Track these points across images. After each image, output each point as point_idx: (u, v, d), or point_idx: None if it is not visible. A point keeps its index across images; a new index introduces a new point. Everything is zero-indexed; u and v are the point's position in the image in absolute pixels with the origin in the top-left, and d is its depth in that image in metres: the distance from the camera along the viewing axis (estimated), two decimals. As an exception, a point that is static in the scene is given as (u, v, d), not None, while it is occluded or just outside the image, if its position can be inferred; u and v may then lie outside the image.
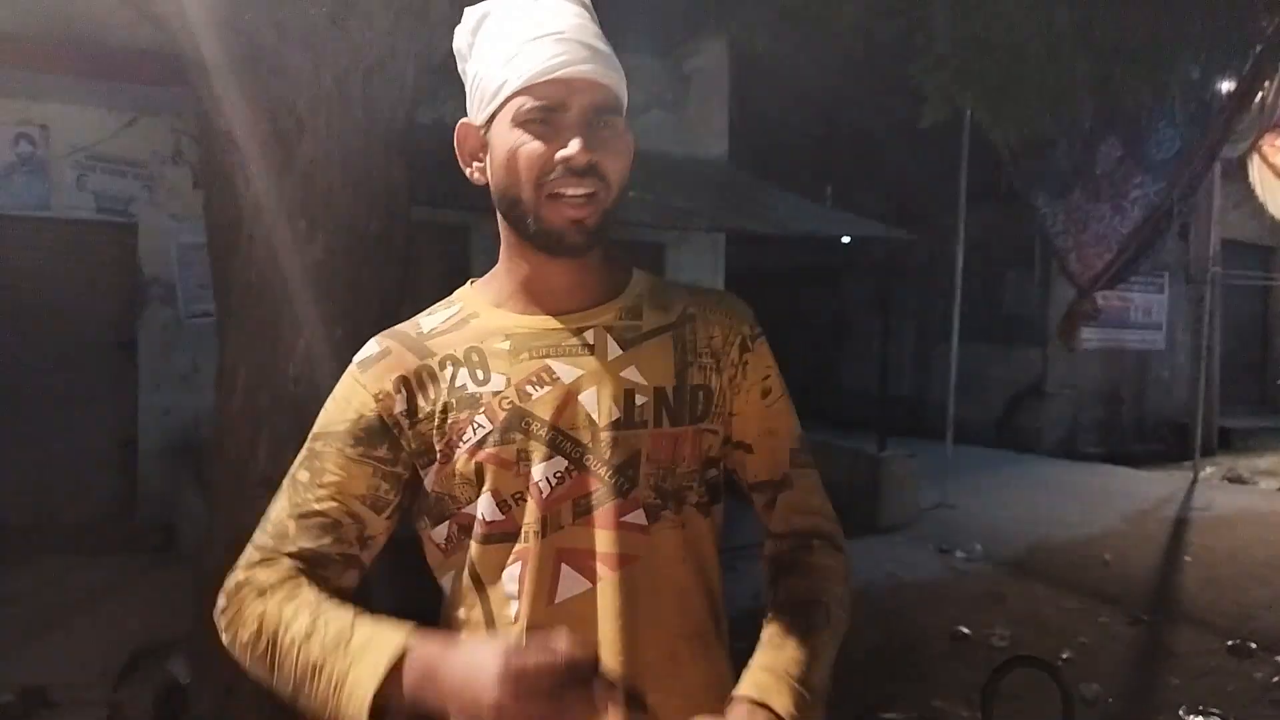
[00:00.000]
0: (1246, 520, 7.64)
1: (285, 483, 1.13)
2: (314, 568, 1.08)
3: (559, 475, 1.08)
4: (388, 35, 2.79)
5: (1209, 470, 9.57)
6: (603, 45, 1.10)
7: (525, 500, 1.08)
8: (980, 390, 10.68)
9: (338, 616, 1.02)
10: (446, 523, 1.12)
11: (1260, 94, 5.89)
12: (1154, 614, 5.41)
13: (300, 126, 2.70)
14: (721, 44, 8.32)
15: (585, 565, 1.08)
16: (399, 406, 1.10)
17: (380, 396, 1.10)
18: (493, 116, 1.09)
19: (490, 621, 1.09)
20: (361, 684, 0.94)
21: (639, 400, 1.11)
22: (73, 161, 6.26)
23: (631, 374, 1.12)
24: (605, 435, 1.09)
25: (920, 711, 3.96)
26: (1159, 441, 10.87)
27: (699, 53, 8.41)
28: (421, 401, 1.10)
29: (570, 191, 1.05)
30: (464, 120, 1.14)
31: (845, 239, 8.29)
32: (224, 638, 1.08)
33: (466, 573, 1.11)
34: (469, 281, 1.21)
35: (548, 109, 1.05)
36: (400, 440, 1.10)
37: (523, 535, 1.08)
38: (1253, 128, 6.31)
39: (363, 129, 2.79)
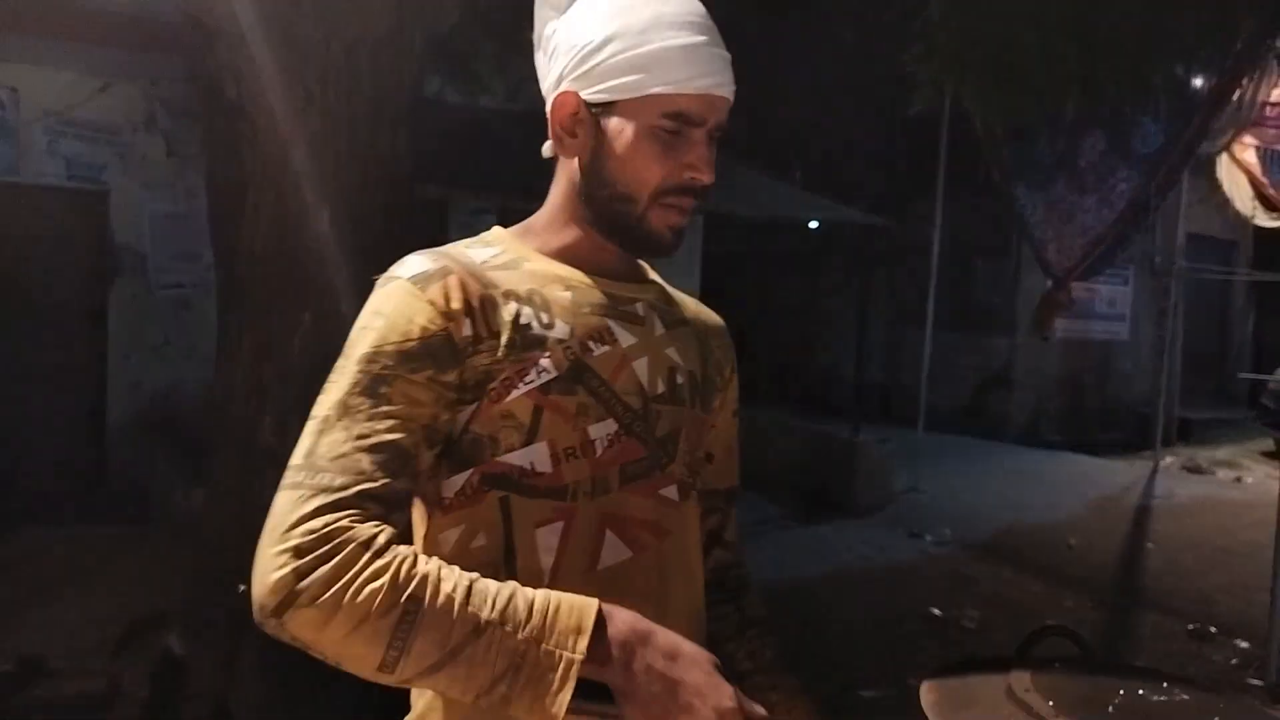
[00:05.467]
0: (1205, 509, 7.84)
1: (330, 412, 0.95)
2: (390, 512, 0.93)
3: (610, 438, 1.04)
4: (397, 7, 2.76)
5: (1169, 460, 9.78)
6: (726, 50, 1.08)
7: (577, 457, 1.02)
8: (949, 377, 10.81)
9: (487, 580, 0.92)
10: (468, 472, 1.01)
11: (1238, 91, 6.03)
12: (1117, 598, 5.55)
13: (309, 97, 2.67)
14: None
15: (628, 533, 1.04)
16: (466, 330, 0.99)
17: (449, 315, 0.99)
18: (613, 103, 1.04)
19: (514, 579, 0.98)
20: (571, 630, 0.88)
21: (679, 379, 1.11)
22: (44, 126, 6.09)
23: (673, 353, 1.12)
24: (653, 406, 1.08)
25: (896, 689, 4.04)
26: (1120, 431, 11.08)
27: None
28: (484, 331, 1.00)
29: (682, 203, 1.07)
30: (569, 90, 1.06)
31: (813, 224, 8.34)
32: (306, 601, 0.85)
33: (492, 528, 1.01)
34: (493, 227, 1.15)
35: (685, 122, 1.04)
36: (463, 367, 0.99)
37: (569, 493, 1.02)
38: (1230, 124, 6.45)
39: (370, 101, 2.77)
